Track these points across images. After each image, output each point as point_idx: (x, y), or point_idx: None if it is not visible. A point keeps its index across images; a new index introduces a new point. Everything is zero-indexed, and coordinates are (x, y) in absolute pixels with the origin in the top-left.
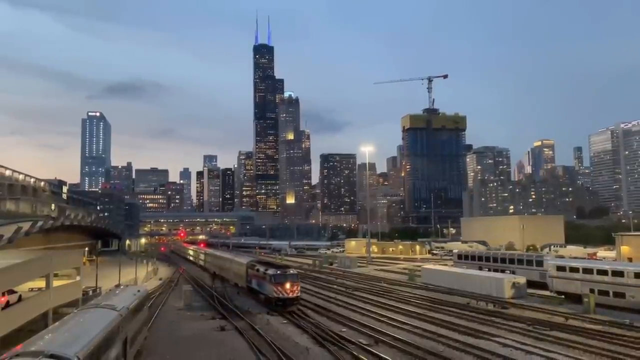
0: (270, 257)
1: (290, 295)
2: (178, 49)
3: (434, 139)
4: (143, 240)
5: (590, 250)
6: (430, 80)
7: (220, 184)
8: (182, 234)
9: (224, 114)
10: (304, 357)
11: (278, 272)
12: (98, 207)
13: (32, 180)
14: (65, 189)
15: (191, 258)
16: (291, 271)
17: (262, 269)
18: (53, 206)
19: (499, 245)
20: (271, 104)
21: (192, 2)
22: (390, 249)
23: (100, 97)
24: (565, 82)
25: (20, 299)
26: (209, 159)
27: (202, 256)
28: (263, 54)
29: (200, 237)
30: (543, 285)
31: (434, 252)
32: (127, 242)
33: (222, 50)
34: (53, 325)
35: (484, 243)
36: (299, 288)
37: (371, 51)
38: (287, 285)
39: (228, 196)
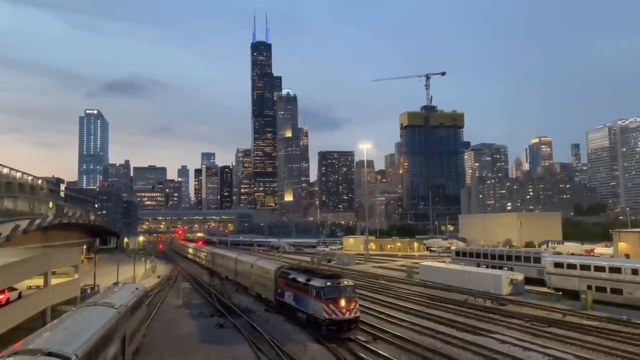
0: (268, 254)
1: (347, 316)
2: (176, 46)
3: (432, 136)
4: (141, 238)
5: (587, 246)
6: (428, 77)
7: (218, 181)
8: (180, 232)
9: (222, 111)
10: (302, 354)
11: (328, 283)
12: (96, 205)
13: (30, 178)
14: (63, 187)
15: (195, 258)
16: (345, 282)
17: (301, 278)
18: (51, 204)
19: (497, 242)
20: (269, 102)
21: None
22: (389, 246)
23: (98, 95)
24: (563, 79)
25: (20, 297)
26: (207, 156)
27: (209, 257)
28: (261, 51)
29: (199, 234)
30: (541, 282)
31: (432, 249)
32: (125, 240)
33: (220, 47)
34: (51, 323)
35: (463, 240)
36: (357, 305)
37: (369, 48)
38: (342, 303)
39: (226, 194)
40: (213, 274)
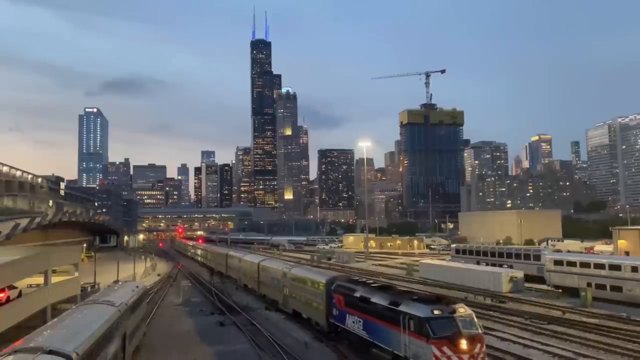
0: (268, 253)
1: None
2: (176, 44)
3: (431, 134)
4: (141, 237)
5: (587, 244)
6: (427, 75)
7: (218, 179)
8: (180, 230)
9: (221, 109)
10: (303, 352)
11: (436, 312)
12: (96, 204)
13: (30, 176)
14: (62, 185)
15: (202, 259)
16: (462, 309)
17: (379, 298)
18: (51, 202)
19: (497, 240)
20: (269, 100)
21: None
22: (388, 244)
23: (97, 93)
24: (563, 77)
25: (20, 295)
26: (207, 154)
27: (220, 259)
28: (260, 49)
29: (199, 233)
30: (541, 280)
31: (432, 246)
32: (126, 238)
33: (220, 45)
34: (52, 321)
35: (446, 238)
36: (484, 348)
37: (369, 46)
38: (464, 344)
39: (226, 192)
40: (229, 279)
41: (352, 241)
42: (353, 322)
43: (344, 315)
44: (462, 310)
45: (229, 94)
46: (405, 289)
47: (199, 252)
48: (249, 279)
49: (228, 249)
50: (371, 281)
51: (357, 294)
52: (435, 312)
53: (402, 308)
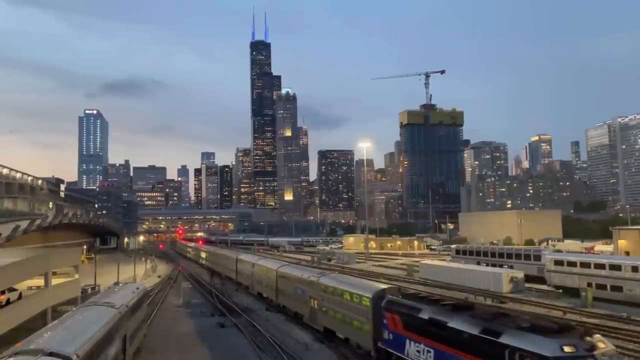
0: (268, 253)
1: None
2: (175, 45)
3: (431, 134)
4: (141, 238)
5: (587, 244)
6: (427, 75)
7: (218, 181)
8: (180, 231)
9: (221, 110)
10: (303, 353)
11: (565, 348)
12: (96, 205)
13: (30, 178)
14: (63, 187)
15: (205, 262)
16: (600, 343)
17: (463, 325)
18: (51, 204)
19: (497, 240)
20: (268, 101)
21: None
22: (389, 244)
23: (97, 95)
24: (563, 77)
25: (20, 297)
26: (207, 156)
27: (228, 263)
28: (260, 50)
29: (199, 234)
30: (541, 280)
31: (432, 247)
32: (126, 239)
33: (220, 46)
34: (52, 323)
35: (437, 239)
36: None
37: (369, 46)
38: None
39: (226, 193)
40: (240, 285)
41: (352, 242)
42: (418, 350)
43: (402, 340)
44: (603, 345)
45: (229, 95)
46: (498, 310)
47: (202, 254)
48: (264, 287)
49: (238, 252)
50: (437, 297)
51: (424, 316)
52: (567, 349)
53: (506, 340)
